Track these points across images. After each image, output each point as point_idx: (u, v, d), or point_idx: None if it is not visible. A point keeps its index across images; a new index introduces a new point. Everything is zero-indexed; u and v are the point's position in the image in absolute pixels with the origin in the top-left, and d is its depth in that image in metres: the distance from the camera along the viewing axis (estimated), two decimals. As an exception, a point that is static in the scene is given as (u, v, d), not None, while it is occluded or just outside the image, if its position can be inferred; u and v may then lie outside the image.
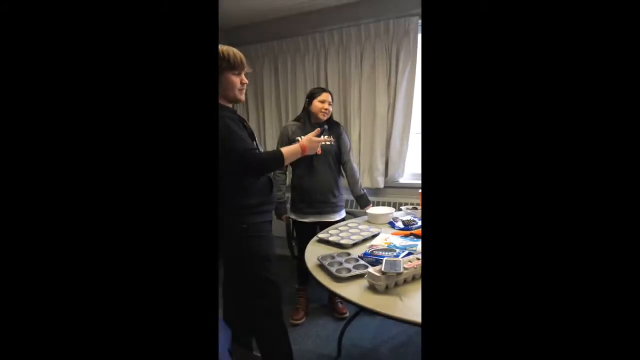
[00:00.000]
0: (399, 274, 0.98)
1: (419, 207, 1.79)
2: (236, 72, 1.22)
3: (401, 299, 0.95)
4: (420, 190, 1.86)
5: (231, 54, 1.20)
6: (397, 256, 1.15)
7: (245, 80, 1.25)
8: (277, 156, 1.26)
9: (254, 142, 1.27)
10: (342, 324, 1.80)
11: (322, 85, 2.48)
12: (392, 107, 2.32)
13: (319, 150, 1.81)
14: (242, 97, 1.27)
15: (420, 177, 2.38)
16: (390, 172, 2.41)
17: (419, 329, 0.69)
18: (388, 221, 1.66)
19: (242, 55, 1.22)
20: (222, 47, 1.20)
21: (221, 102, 1.23)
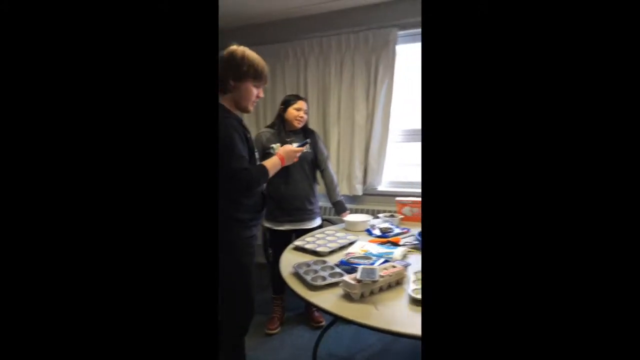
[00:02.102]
0: (375, 282, 0.98)
1: (396, 215, 1.80)
2: (257, 84, 1.22)
3: (376, 308, 0.94)
4: (397, 199, 1.89)
5: (260, 65, 1.20)
6: (373, 264, 1.15)
7: (262, 95, 1.26)
8: (264, 172, 1.25)
9: (254, 153, 1.26)
10: (319, 332, 1.78)
11: (302, 93, 2.48)
12: (370, 117, 2.35)
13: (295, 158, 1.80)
14: (252, 109, 1.27)
15: (397, 186, 2.42)
16: (368, 180, 2.42)
17: (395, 338, 0.68)
18: (365, 229, 1.67)
19: (267, 69, 1.23)
20: (254, 55, 1.20)
21: (231, 108, 1.22)
